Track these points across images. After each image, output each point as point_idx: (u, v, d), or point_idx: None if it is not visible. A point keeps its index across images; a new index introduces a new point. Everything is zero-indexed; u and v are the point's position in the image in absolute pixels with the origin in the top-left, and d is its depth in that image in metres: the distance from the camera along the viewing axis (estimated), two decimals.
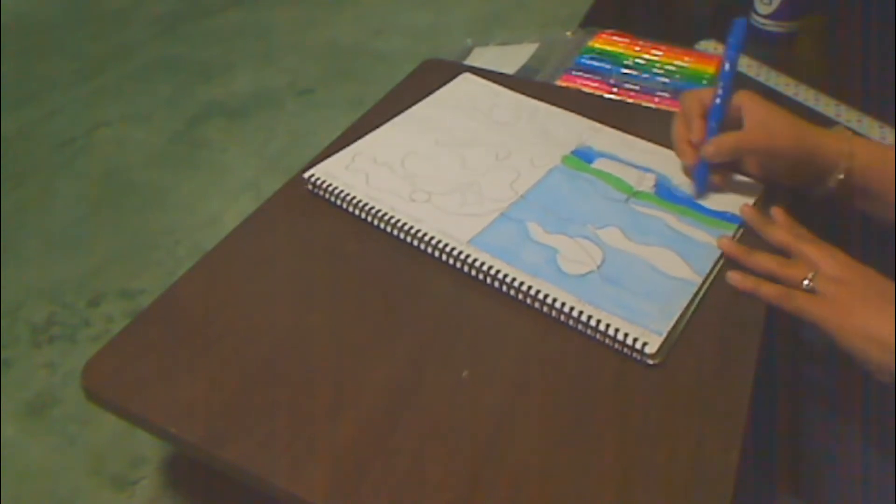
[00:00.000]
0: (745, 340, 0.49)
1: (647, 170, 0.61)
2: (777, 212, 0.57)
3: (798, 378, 0.58)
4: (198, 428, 0.43)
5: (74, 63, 1.16)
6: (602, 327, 0.47)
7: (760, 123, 0.57)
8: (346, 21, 1.27)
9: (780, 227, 0.55)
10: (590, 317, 0.48)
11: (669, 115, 0.64)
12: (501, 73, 0.79)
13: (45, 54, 1.19)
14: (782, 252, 0.54)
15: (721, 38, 0.94)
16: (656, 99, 0.81)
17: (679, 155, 0.61)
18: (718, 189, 0.59)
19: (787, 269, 0.51)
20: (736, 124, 0.59)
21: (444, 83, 0.75)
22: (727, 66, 0.60)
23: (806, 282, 0.49)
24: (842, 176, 0.56)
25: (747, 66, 0.89)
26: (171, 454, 0.56)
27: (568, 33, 0.96)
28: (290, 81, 1.09)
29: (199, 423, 0.43)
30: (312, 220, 0.58)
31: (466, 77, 0.76)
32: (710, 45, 0.94)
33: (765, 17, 0.95)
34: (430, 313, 0.50)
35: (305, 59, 1.15)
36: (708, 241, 0.54)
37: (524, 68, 0.89)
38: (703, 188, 0.60)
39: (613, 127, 0.68)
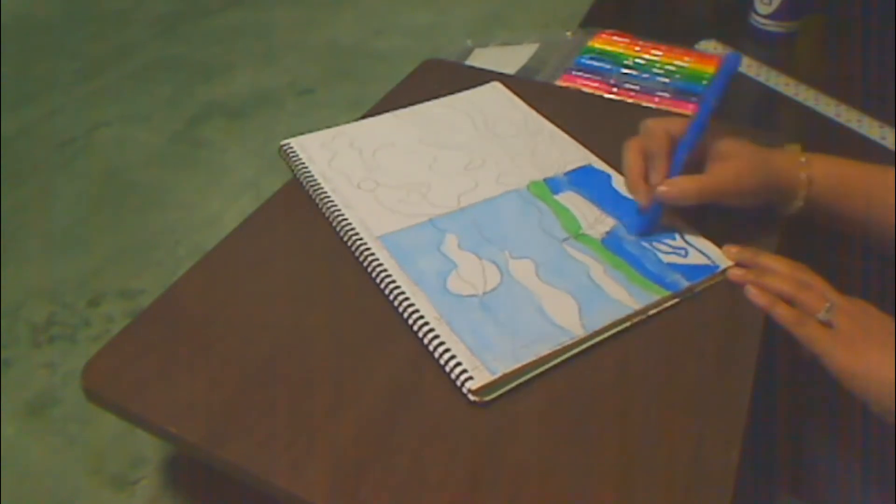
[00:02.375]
0: (745, 340, 0.49)
1: (614, 214, 0.58)
2: (768, 258, 0.53)
3: (798, 378, 0.58)
4: (198, 427, 0.43)
5: (74, 63, 1.16)
6: (440, 350, 0.46)
7: (724, 164, 0.55)
8: (346, 21, 1.27)
9: (782, 260, 0.53)
10: (436, 336, 0.47)
11: (670, 115, 0.63)
12: (507, 75, 0.79)
13: (45, 54, 1.19)
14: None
15: (721, 38, 0.95)
16: (656, 99, 0.81)
17: (631, 190, 0.57)
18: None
19: (805, 294, 0.50)
20: (695, 160, 0.56)
21: (445, 83, 0.75)
22: (709, 104, 0.55)
23: (823, 312, 0.48)
24: (802, 203, 0.56)
25: (747, 66, 0.89)
26: (171, 454, 0.56)
27: (568, 33, 0.96)
28: (290, 81, 1.09)
29: (200, 423, 0.43)
30: (313, 219, 0.58)
31: (494, 85, 0.75)
32: (710, 45, 0.94)
33: (765, 17, 0.95)
34: None
35: (305, 59, 1.15)
36: (622, 300, 0.50)
37: (524, 69, 0.89)
38: (650, 227, 0.56)
39: (611, 129, 0.68)
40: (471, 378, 0.44)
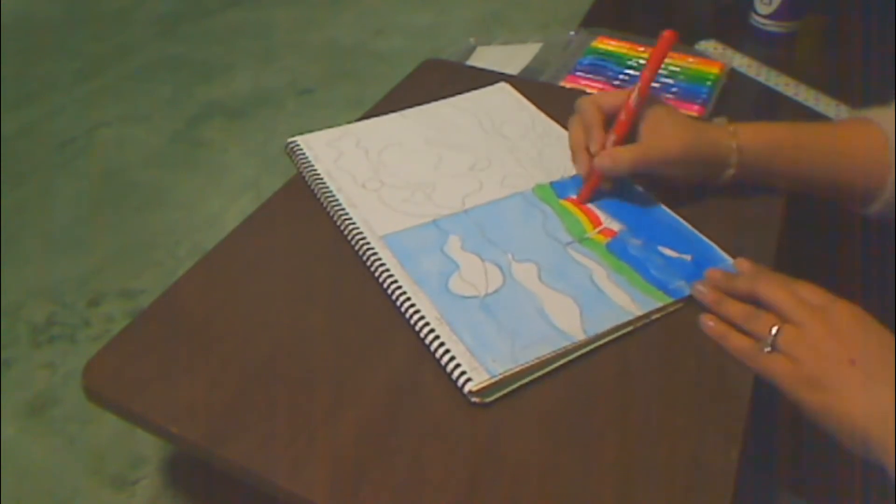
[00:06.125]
0: None
1: (620, 218, 0.58)
2: (741, 262, 0.53)
3: None
4: (198, 427, 0.43)
5: (74, 63, 1.16)
6: (440, 352, 0.46)
7: (654, 134, 0.57)
8: (346, 21, 1.27)
9: (744, 277, 0.51)
10: (437, 337, 0.47)
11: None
12: (510, 76, 0.79)
13: (45, 54, 1.19)
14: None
15: (721, 38, 0.95)
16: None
17: (575, 161, 0.61)
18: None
19: (752, 322, 0.47)
20: (630, 131, 0.58)
21: (445, 83, 0.75)
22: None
23: (767, 342, 0.45)
24: (733, 171, 0.57)
25: (747, 66, 0.90)
26: (171, 454, 0.56)
27: (570, 34, 0.96)
28: (290, 81, 1.09)
29: (200, 423, 0.43)
30: (313, 219, 0.58)
31: (502, 86, 0.75)
32: (710, 45, 0.94)
33: (765, 17, 0.95)
34: None
35: (305, 59, 1.15)
36: (624, 305, 0.50)
37: (527, 70, 0.89)
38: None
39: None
40: (469, 379, 0.44)
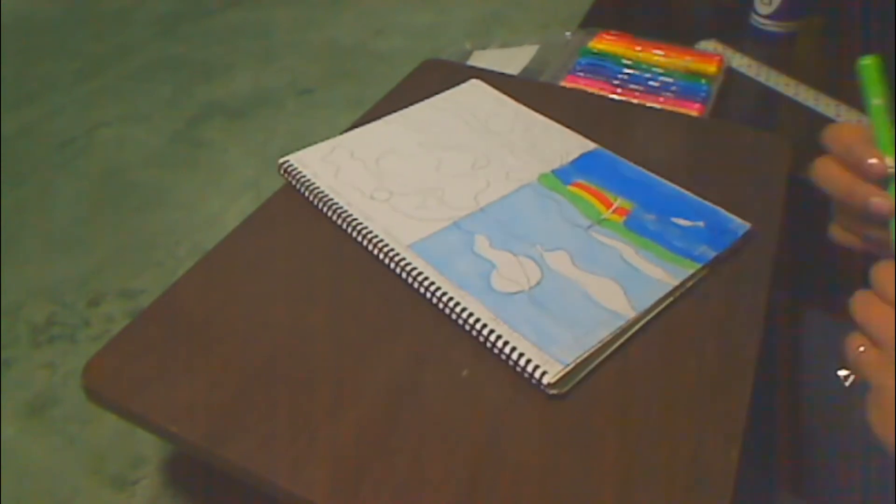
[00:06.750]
0: (745, 340, 0.49)
1: (627, 196, 0.59)
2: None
3: (798, 378, 0.58)
4: (198, 427, 0.43)
5: (74, 63, 1.16)
6: (507, 350, 0.46)
7: None
8: (346, 21, 1.27)
9: None
10: (499, 336, 0.47)
11: (674, 115, 0.63)
12: (510, 76, 0.79)
13: (45, 54, 1.19)
14: None
15: (721, 38, 0.95)
16: (661, 99, 0.81)
17: (869, 202, 0.37)
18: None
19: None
20: None
21: (445, 83, 0.75)
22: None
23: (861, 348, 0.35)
24: None
25: (747, 66, 0.90)
26: (171, 454, 0.56)
27: (567, 34, 0.96)
28: (290, 81, 1.09)
29: (200, 423, 0.43)
30: (313, 219, 0.58)
31: (474, 83, 0.75)
32: (710, 45, 0.94)
33: (765, 17, 0.95)
34: (431, 313, 0.50)
35: (305, 59, 1.15)
36: (659, 278, 0.51)
37: (526, 71, 0.89)
38: None
39: (617, 129, 0.68)
40: (545, 372, 0.44)
